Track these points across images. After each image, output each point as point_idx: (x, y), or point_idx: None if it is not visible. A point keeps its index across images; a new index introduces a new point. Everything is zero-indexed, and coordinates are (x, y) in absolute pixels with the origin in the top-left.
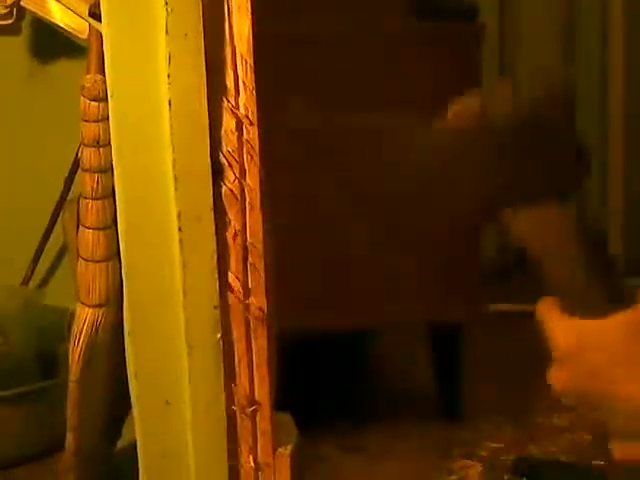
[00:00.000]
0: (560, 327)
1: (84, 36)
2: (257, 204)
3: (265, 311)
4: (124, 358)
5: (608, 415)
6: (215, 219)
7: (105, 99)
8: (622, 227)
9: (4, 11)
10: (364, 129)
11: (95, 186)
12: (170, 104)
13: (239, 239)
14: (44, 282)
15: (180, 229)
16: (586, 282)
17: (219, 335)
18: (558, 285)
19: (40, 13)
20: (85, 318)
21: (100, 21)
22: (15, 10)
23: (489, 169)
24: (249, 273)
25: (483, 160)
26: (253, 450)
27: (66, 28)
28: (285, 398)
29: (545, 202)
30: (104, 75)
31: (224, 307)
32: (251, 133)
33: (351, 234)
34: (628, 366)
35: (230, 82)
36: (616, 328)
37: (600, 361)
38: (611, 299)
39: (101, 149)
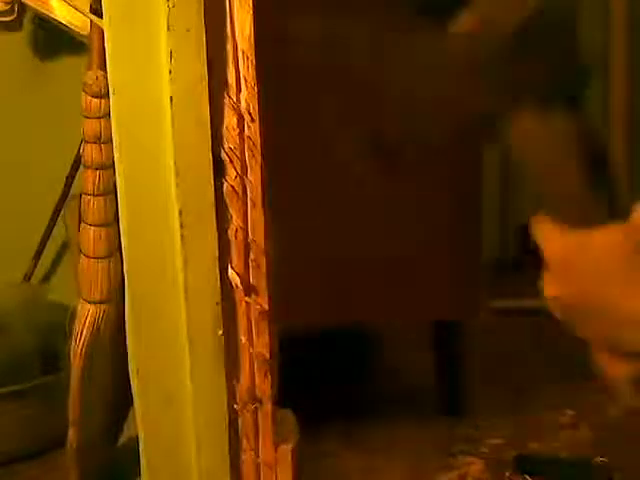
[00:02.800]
0: (554, 239)
1: (85, 32)
2: (259, 201)
3: (267, 308)
4: (126, 355)
5: (594, 327)
6: (217, 216)
7: (106, 95)
8: None
9: (5, 7)
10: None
11: (97, 183)
12: (171, 100)
13: (241, 236)
14: (46, 278)
15: (181, 226)
16: (584, 198)
17: (220, 332)
18: (556, 200)
19: (41, 9)
20: (87, 315)
21: (101, 17)
22: (16, 6)
23: (493, 75)
24: (251, 270)
25: (487, 65)
26: (255, 447)
27: (67, 24)
28: (286, 395)
29: (547, 110)
30: (105, 71)
31: (226, 304)
32: (252, 129)
33: (351, 230)
34: (619, 279)
35: (232, 78)
36: (610, 241)
37: (592, 273)
38: (610, 215)
39: (102, 145)
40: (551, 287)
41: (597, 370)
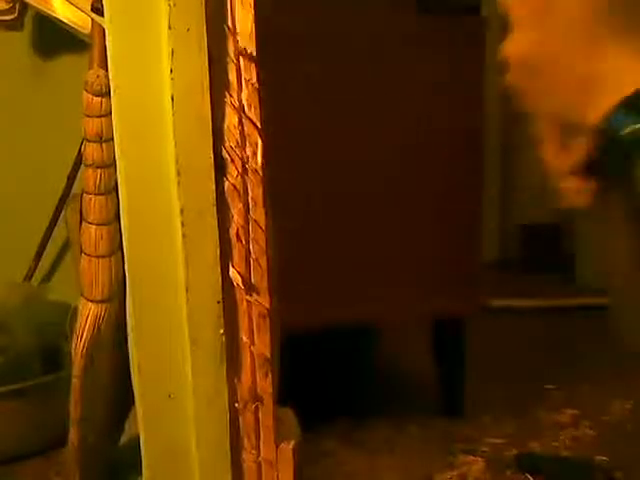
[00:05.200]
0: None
1: (87, 31)
2: (260, 199)
3: (268, 306)
4: (127, 353)
5: (552, 93)
6: (218, 214)
7: (108, 94)
8: None
9: (7, 6)
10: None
11: (98, 181)
12: (173, 99)
13: (242, 234)
14: (47, 277)
15: (183, 224)
16: None
17: (222, 330)
18: None
19: (43, 8)
20: (88, 313)
21: (103, 16)
22: (18, 5)
23: None
24: (252, 269)
25: None
26: (256, 445)
27: (69, 23)
28: (287, 393)
29: None
30: (107, 70)
31: (227, 302)
32: (253, 128)
33: (352, 229)
34: (587, 37)
35: (232, 77)
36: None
37: (559, 30)
38: None
39: (104, 144)
40: (515, 43)
41: (543, 165)
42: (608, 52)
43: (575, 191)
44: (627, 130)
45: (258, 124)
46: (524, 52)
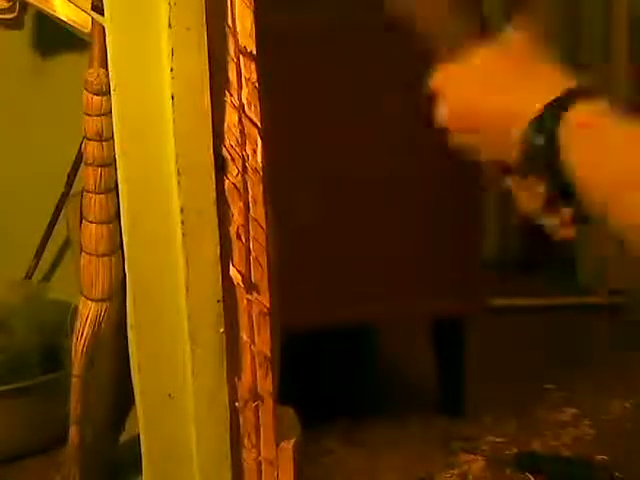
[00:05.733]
0: (440, 72)
1: (87, 30)
2: (260, 198)
3: (268, 305)
4: (127, 352)
5: (484, 135)
6: (218, 213)
7: (108, 93)
8: None
9: (7, 5)
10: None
11: (98, 180)
12: (173, 98)
13: (242, 233)
14: (47, 276)
15: (183, 223)
16: (455, 23)
17: (222, 329)
18: (431, 32)
19: (43, 7)
20: (88, 312)
21: (103, 15)
22: (18, 4)
23: None
24: (252, 267)
25: None
26: (256, 444)
27: (69, 22)
28: (288, 392)
29: None
30: (107, 69)
31: (227, 301)
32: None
33: (352, 229)
34: (505, 86)
35: (232, 75)
36: (492, 56)
37: (479, 85)
38: (480, 35)
39: (104, 143)
40: (445, 109)
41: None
42: (517, 89)
43: (557, 227)
44: (539, 140)
45: (258, 123)
46: (454, 112)
